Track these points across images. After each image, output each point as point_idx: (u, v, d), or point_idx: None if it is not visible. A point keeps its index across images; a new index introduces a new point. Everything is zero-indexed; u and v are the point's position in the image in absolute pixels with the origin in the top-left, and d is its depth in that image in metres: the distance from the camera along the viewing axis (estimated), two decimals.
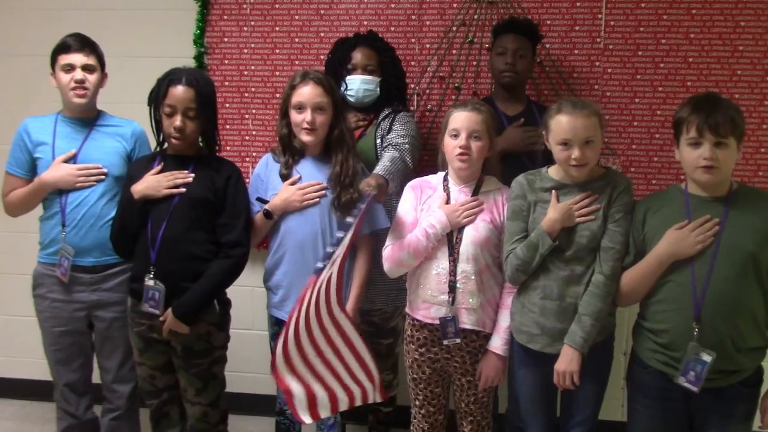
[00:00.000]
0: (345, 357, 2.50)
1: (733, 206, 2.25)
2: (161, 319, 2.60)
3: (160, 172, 2.65)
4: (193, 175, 2.64)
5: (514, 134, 3.02)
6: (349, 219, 2.42)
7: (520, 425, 2.88)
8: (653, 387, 2.34)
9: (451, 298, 2.51)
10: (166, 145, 2.72)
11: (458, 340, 2.52)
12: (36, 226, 2.91)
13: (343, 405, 2.52)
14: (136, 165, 2.78)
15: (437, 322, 2.52)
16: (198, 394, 2.71)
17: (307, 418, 2.46)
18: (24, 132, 2.87)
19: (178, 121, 2.57)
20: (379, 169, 2.69)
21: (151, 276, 2.59)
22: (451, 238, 2.53)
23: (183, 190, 2.62)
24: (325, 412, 2.49)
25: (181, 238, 2.60)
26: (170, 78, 2.61)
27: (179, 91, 2.58)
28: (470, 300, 2.51)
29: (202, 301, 2.62)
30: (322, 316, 2.43)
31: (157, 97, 2.61)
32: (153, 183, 2.62)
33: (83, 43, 2.83)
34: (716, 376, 2.21)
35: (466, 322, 2.53)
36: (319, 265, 2.33)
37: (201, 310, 2.63)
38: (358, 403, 2.56)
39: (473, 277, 2.51)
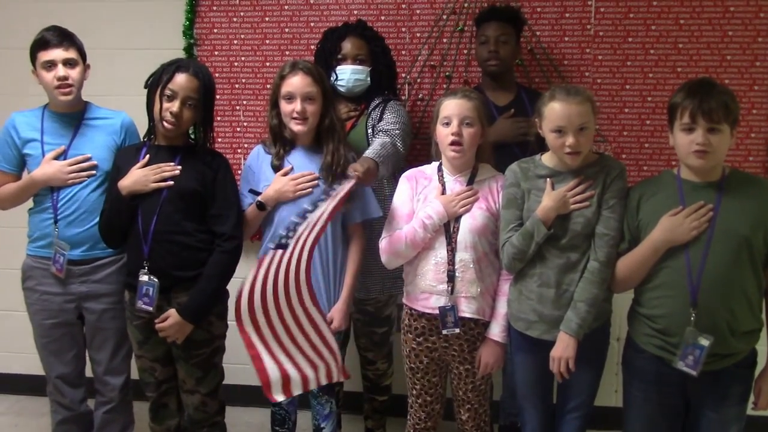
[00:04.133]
0: (310, 335, 2.55)
1: (726, 191, 2.26)
2: (158, 321, 2.61)
3: (147, 164, 2.64)
4: (180, 167, 2.63)
5: (504, 125, 3.03)
6: (322, 197, 2.44)
7: (515, 412, 2.90)
8: (649, 371, 2.35)
9: (450, 288, 2.51)
10: (153, 133, 2.70)
11: (457, 330, 2.52)
12: (24, 220, 2.89)
13: (312, 384, 2.57)
14: (123, 154, 2.77)
15: (436, 311, 2.53)
16: (198, 384, 2.72)
17: (279, 396, 2.53)
18: (11, 128, 2.83)
19: (175, 106, 2.56)
20: (369, 152, 2.68)
21: (145, 271, 2.59)
22: (448, 227, 2.53)
23: (171, 183, 2.60)
24: (297, 390, 2.55)
25: (173, 230, 2.60)
26: (178, 64, 2.61)
27: (185, 78, 2.58)
28: (469, 288, 2.51)
29: (209, 302, 2.65)
30: (293, 302, 2.49)
31: (158, 81, 2.59)
32: (140, 178, 2.60)
33: (62, 37, 2.77)
34: (711, 360, 2.23)
35: (466, 310, 2.53)
36: (282, 233, 2.38)
37: (207, 311, 2.65)
38: (323, 381, 2.61)
39: (472, 266, 2.51)
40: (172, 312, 2.59)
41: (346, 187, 2.46)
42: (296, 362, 2.53)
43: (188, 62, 2.69)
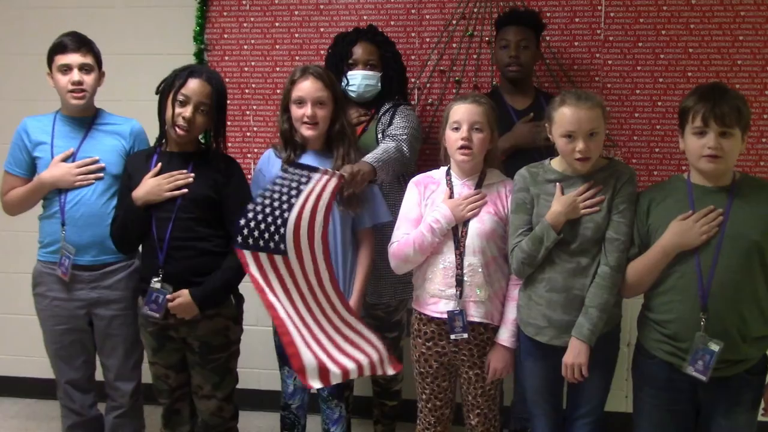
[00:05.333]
0: (341, 329, 2.51)
1: (736, 196, 2.26)
2: (170, 298, 2.59)
3: (160, 171, 2.64)
4: (193, 174, 2.63)
5: (523, 130, 3.02)
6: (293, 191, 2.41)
7: (525, 417, 2.89)
8: (660, 377, 2.34)
9: (458, 292, 2.51)
10: (164, 140, 2.71)
11: (465, 335, 2.51)
12: (35, 225, 2.91)
13: (353, 374, 2.47)
14: (133, 160, 2.77)
15: (445, 316, 2.53)
16: (215, 389, 2.72)
17: (316, 383, 2.41)
18: (23, 132, 2.85)
19: (188, 112, 2.57)
20: (368, 157, 2.69)
21: (159, 278, 2.59)
22: (456, 231, 2.54)
23: (185, 191, 2.61)
24: (336, 379, 2.44)
25: (189, 237, 2.60)
26: (191, 70, 2.62)
27: (198, 84, 2.59)
28: (478, 292, 2.51)
29: (220, 291, 2.64)
30: (320, 301, 2.48)
31: (170, 86, 2.60)
32: (153, 188, 2.60)
33: (80, 43, 2.80)
34: (722, 366, 2.22)
35: (474, 315, 2.53)
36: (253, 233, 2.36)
37: (218, 300, 2.65)
38: (367, 372, 2.51)
39: (480, 270, 2.51)
40: (184, 292, 2.58)
41: (329, 185, 2.45)
42: (330, 354, 2.45)
43: (201, 68, 2.70)
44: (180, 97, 2.57)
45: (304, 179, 2.43)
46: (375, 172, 2.64)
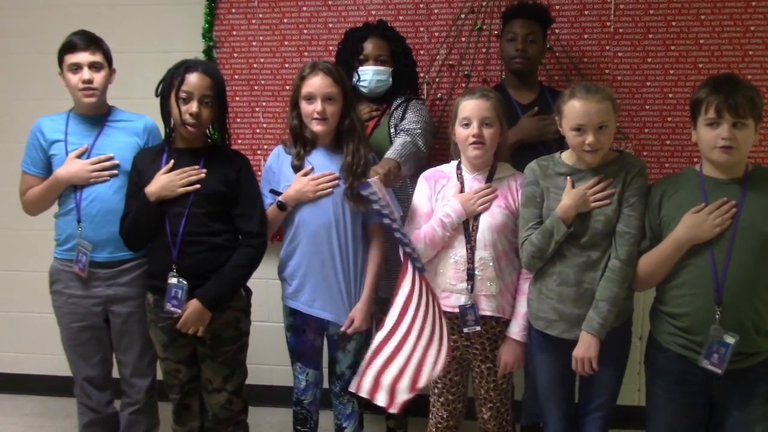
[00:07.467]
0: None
1: (749, 188, 2.25)
2: (179, 314, 2.61)
3: (172, 168, 2.65)
4: (205, 170, 2.64)
5: (529, 124, 3.00)
6: (377, 207, 2.41)
7: (537, 412, 2.89)
8: (673, 371, 2.34)
9: (470, 286, 2.52)
10: (172, 136, 2.71)
11: (478, 328, 2.52)
12: (49, 223, 2.93)
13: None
14: (142, 157, 2.77)
15: (457, 310, 2.53)
16: (225, 382, 2.74)
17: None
18: (38, 131, 2.87)
19: (194, 107, 2.57)
20: (390, 153, 2.69)
21: (174, 273, 2.60)
22: (467, 225, 2.54)
23: (198, 186, 2.62)
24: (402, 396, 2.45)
25: (202, 232, 2.62)
26: (186, 65, 2.62)
27: (197, 77, 2.59)
28: (489, 286, 2.52)
29: (229, 291, 2.66)
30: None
31: (170, 85, 2.60)
32: (166, 183, 2.61)
33: (89, 41, 2.81)
34: (736, 358, 2.21)
35: (486, 308, 2.53)
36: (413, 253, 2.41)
37: (226, 300, 2.66)
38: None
39: (491, 264, 2.51)
40: (191, 301, 2.60)
41: (380, 191, 2.43)
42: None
43: (196, 62, 2.69)
44: (182, 94, 2.58)
45: (374, 197, 2.41)
46: (400, 167, 2.65)
